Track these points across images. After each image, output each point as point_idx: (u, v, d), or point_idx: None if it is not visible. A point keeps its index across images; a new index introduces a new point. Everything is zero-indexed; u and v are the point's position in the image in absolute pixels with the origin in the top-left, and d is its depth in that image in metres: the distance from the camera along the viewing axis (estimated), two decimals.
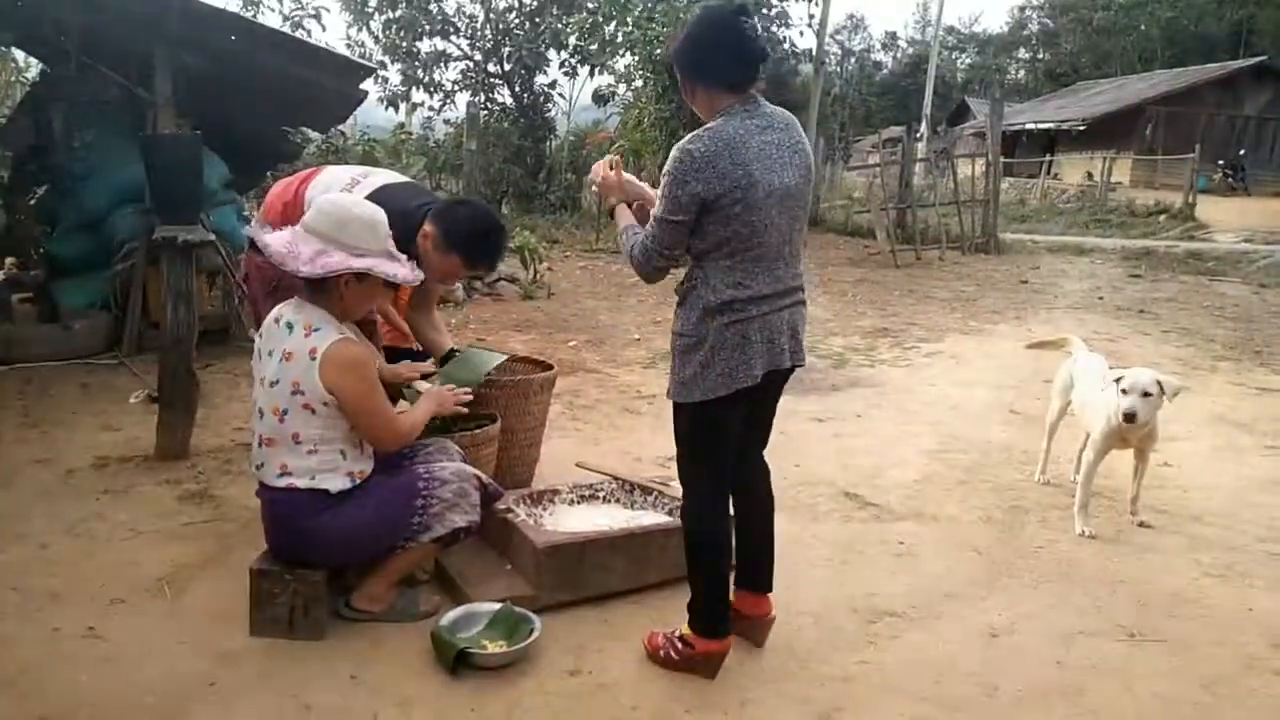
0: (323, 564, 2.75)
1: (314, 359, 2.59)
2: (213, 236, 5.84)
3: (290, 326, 2.67)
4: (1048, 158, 30.40)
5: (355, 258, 2.65)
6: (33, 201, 6.74)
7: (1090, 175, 27.27)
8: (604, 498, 3.47)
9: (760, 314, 2.52)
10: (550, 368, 3.86)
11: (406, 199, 3.21)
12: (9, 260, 6.81)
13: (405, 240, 3.10)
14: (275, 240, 2.70)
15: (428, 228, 3.12)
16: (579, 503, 3.41)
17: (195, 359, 5.76)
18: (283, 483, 2.65)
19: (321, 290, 2.69)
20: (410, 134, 17.76)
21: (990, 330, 8.59)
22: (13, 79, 10.76)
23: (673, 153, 2.44)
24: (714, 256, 2.50)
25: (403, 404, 3.05)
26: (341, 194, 2.81)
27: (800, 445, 4.79)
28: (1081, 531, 3.86)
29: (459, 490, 2.83)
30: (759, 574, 2.83)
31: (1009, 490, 4.36)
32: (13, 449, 4.22)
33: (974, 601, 3.24)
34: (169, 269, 3.90)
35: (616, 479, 3.56)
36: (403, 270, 2.75)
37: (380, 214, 2.75)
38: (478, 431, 3.30)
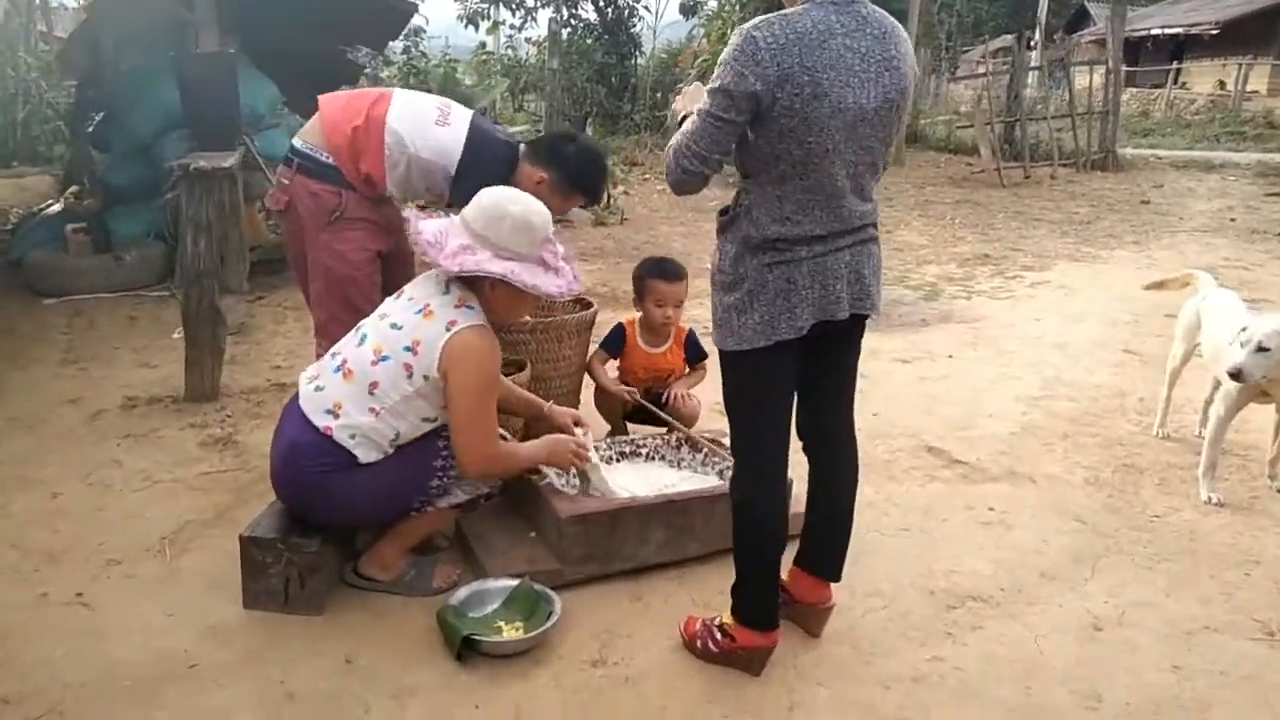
0: (330, 522, 2.47)
1: (449, 330, 2.31)
2: (259, 161, 5.61)
3: (447, 289, 2.40)
4: (1175, 65, 27.99)
5: (499, 260, 2.34)
6: (90, 129, 6.60)
7: (1222, 84, 25.03)
8: (647, 454, 3.10)
9: (811, 256, 2.07)
10: (589, 305, 3.47)
11: (500, 133, 3.06)
12: (70, 190, 6.73)
13: (509, 179, 2.87)
14: (429, 229, 2.40)
15: (539, 172, 2.93)
16: (618, 459, 3.04)
17: (247, 290, 5.65)
18: (323, 421, 2.35)
19: (471, 287, 2.41)
20: (491, 54, 17.30)
21: (1105, 257, 7.81)
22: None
23: (732, 37, 1.98)
24: (760, 181, 2.05)
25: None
26: (501, 190, 2.45)
27: (880, 390, 4.30)
28: (1208, 498, 3.31)
29: None
30: (824, 559, 2.41)
31: (1121, 446, 3.81)
32: (48, 386, 4.08)
33: (1075, 584, 2.77)
34: (186, 199, 3.63)
35: (669, 429, 3.18)
36: (553, 283, 2.41)
37: (539, 215, 2.41)
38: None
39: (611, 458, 3.03)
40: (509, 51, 18.18)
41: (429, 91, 7.06)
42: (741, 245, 2.10)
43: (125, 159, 5.88)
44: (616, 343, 3.44)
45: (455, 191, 2.84)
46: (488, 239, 2.37)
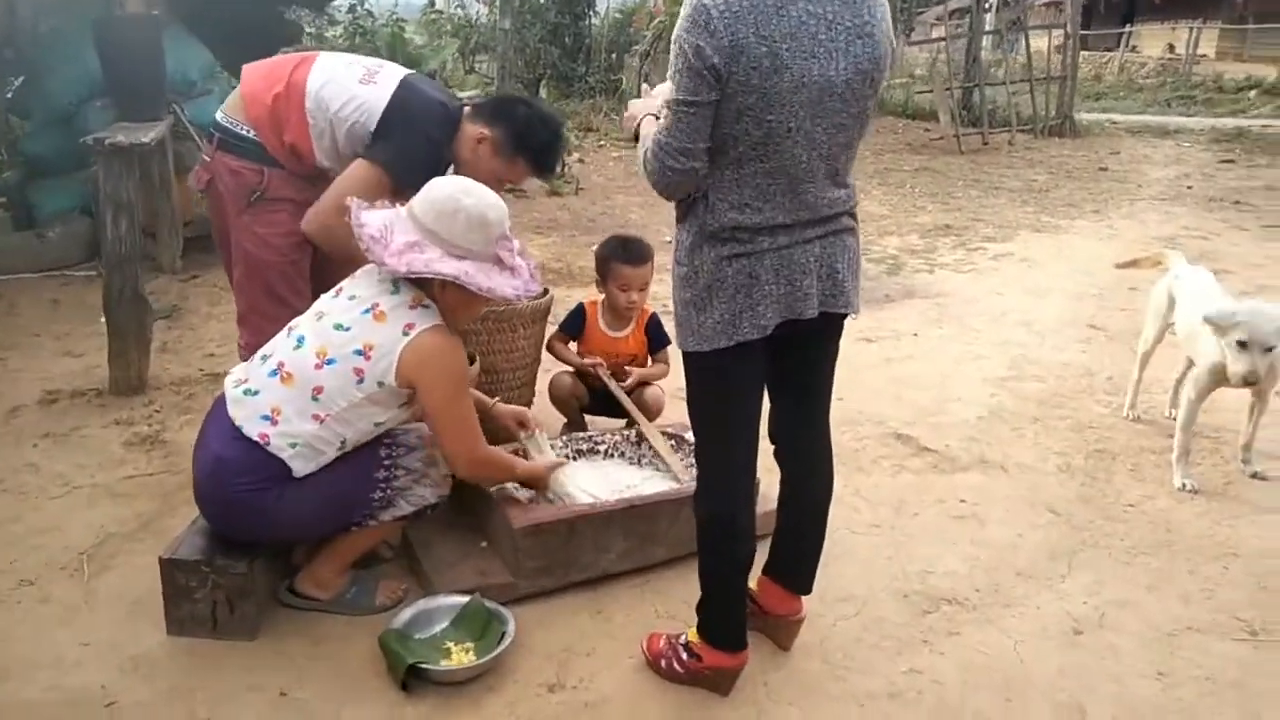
0: (261, 540, 2.27)
1: (407, 335, 2.12)
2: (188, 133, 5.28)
3: (395, 288, 2.18)
4: (1127, 29, 28.11)
5: (451, 258, 2.14)
6: (9, 94, 6.17)
7: (1172, 48, 25.18)
8: (606, 451, 2.92)
9: (774, 247, 1.90)
10: (545, 292, 3.28)
11: (440, 94, 2.71)
12: None
13: (447, 142, 2.63)
14: (373, 221, 2.17)
15: (485, 130, 2.63)
16: (575, 457, 2.86)
17: (180, 270, 5.34)
18: (257, 429, 2.13)
19: (420, 286, 2.19)
20: (441, 13, 16.74)
21: (1066, 227, 7.75)
22: None
23: (683, 8, 1.78)
24: (718, 164, 1.87)
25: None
26: (454, 180, 2.22)
27: (845, 374, 4.11)
28: (1182, 485, 3.23)
29: (427, 458, 2.32)
30: (795, 571, 2.27)
31: (1091, 429, 3.72)
32: None
33: (1053, 583, 2.67)
34: (104, 175, 3.34)
35: (629, 422, 3.02)
36: (509, 284, 2.21)
37: (495, 209, 2.20)
38: None
39: (569, 455, 2.86)
40: (459, 10, 17.61)
41: (377, 54, 6.70)
42: (698, 235, 1.92)
43: (46, 127, 5.47)
44: (576, 325, 3.26)
45: (374, 148, 2.54)
46: (438, 235, 2.16)
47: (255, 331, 2.61)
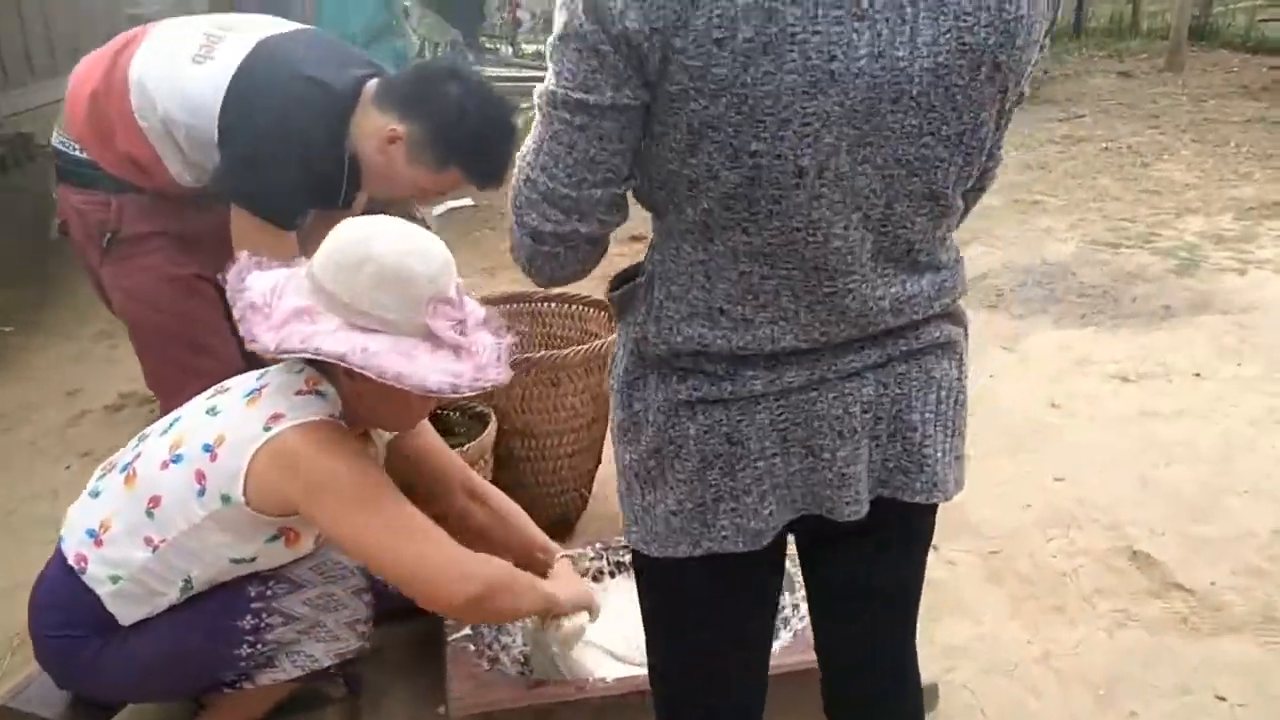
0: (102, 699, 1.71)
1: (267, 431, 1.45)
2: None
3: (301, 364, 1.53)
4: None
5: (353, 330, 1.43)
6: None
7: None
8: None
9: (778, 391, 1.01)
10: (599, 335, 2.45)
11: (320, 64, 1.91)
12: None
13: (334, 141, 1.86)
14: (259, 285, 1.52)
15: (396, 125, 1.83)
16: (614, 574, 2.07)
17: None
18: (76, 549, 1.57)
19: (324, 369, 1.52)
20: None
21: None
22: None
23: None
24: (671, 228, 1.00)
25: None
26: (368, 221, 1.51)
27: (1074, 434, 3.00)
28: None
29: (326, 602, 1.65)
30: None
31: None
32: None
33: None
34: None
35: None
36: (442, 370, 1.44)
37: (425, 257, 1.46)
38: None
39: (606, 568, 2.06)
40: None
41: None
42: (636, 358, 1.05)
43: None
44: None
45: (220, 173, 1.85)
46: (336, 297, 1.45)
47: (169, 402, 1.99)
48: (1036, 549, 2.44)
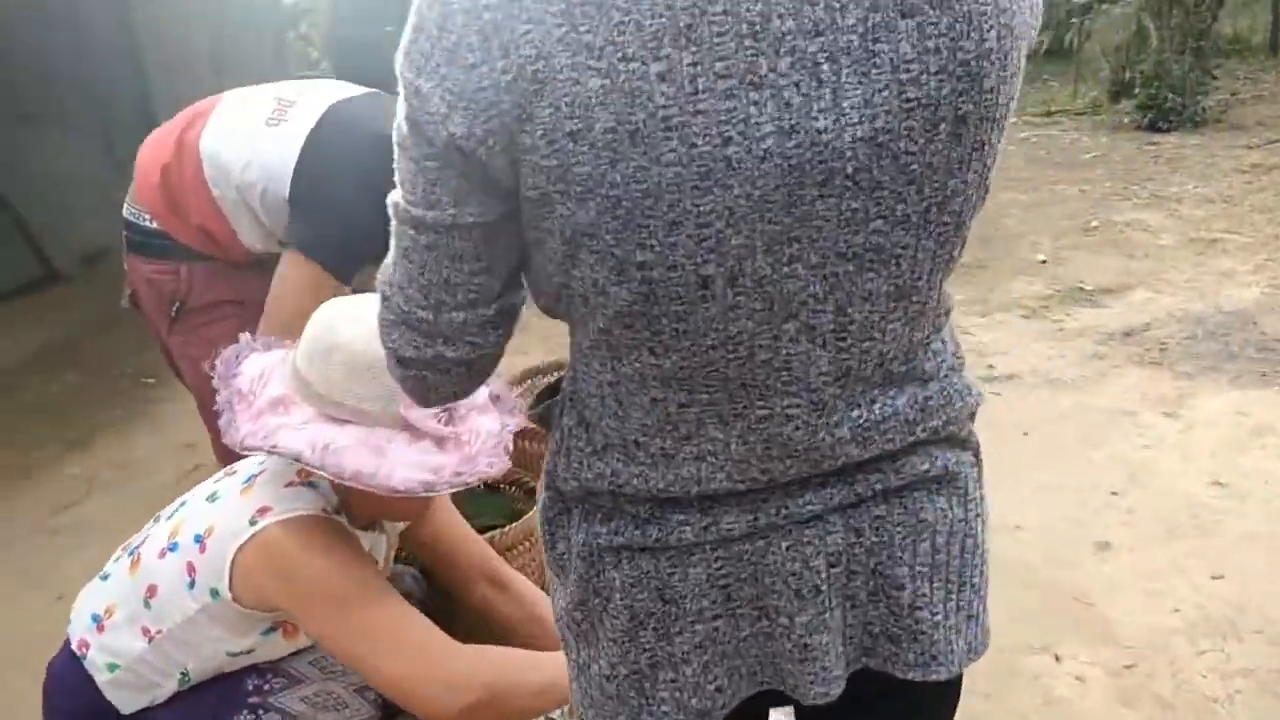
0: None
1: (253, 525, 1.37)
2: None
3: (267, 459, 1.45)
4: None
5: (326, 423, 1.35)
6: None
7: None
8: None
9: (714, 540, 0.80)
10: None
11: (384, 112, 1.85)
12: None
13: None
14: (249, 371, 1.48)
15: None
16: None
17: None
18: (80, 634, 1.53)
19: None
20: None
21: None
22: None
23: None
24: (580, 342, 0.81)
25: None
26: (340, 301, 1.45)
27: (1242, 522, 2.54)
28: None
29: (324, 700, 1.57)
30: None
31: None
32: None
33: None
34: None
35: None
36: (418, 466, 1.33)
37: None
38: (493, 534, 1.89)
39: None
40: None
41: None
42: (551, 489, 0.88)
43: None
44: None
45: (293, 227, 1.79)
46: (312, 387, 1.35)
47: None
48: (1183, 665, 2.04)
